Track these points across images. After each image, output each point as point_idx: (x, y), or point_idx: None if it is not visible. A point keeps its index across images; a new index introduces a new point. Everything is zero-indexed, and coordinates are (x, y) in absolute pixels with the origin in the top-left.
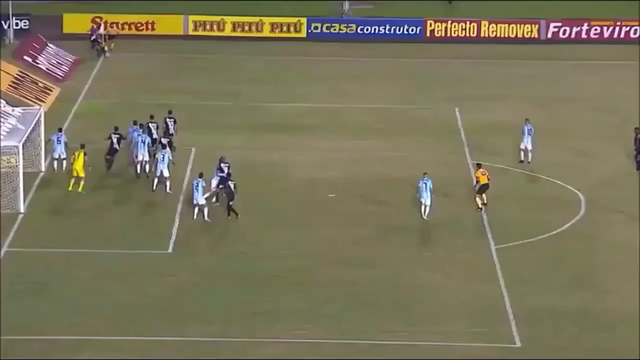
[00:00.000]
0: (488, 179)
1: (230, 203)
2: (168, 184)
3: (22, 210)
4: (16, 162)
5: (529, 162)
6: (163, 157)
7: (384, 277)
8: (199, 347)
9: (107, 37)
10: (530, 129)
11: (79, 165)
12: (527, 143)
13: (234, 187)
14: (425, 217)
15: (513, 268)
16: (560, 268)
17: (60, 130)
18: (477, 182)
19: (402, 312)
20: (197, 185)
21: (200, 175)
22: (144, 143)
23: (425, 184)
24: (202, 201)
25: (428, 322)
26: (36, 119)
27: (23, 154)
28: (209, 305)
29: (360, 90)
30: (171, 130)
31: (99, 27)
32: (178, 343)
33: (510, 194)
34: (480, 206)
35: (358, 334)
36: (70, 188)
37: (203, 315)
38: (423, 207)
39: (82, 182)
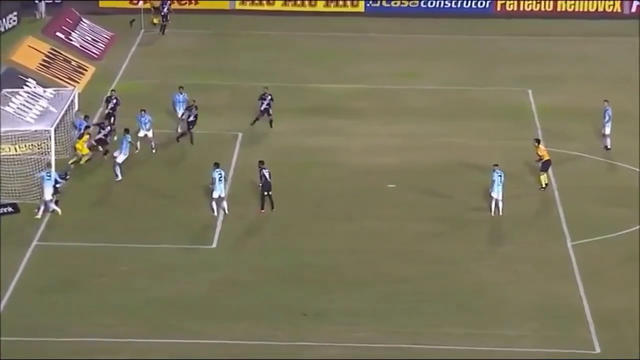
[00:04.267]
0: (549, 155)
1: (267, 193)
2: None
3: (47, 198)
4: (48, 148)
5: (609, 149)
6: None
7: (447, 275)
8: (244, 349)
9: (153, 8)
10: (609, 112)
11: (80, 145)
12: (607, 128)
13: (269, 176)
14: (500, 213)
15: (591, 266)
16: None
17: (181, 87)
18: (540, 159)
19: (466, 314)
20: (221, 177)
21: (217, 165)
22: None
23: (500, 177)
24: (223, 194)
25: (495, 325)
26: (69, 100)
27: (55, 139)
28: (255, 304)
29: (422, 70)
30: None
31: (166, 3)
32: (222, 346)
33: (588, 185)
34: (543, 185)
35: (417, 336)
36: (82, 161)
37: (249, 315)
38: (494, 202)
39: (83, 158)
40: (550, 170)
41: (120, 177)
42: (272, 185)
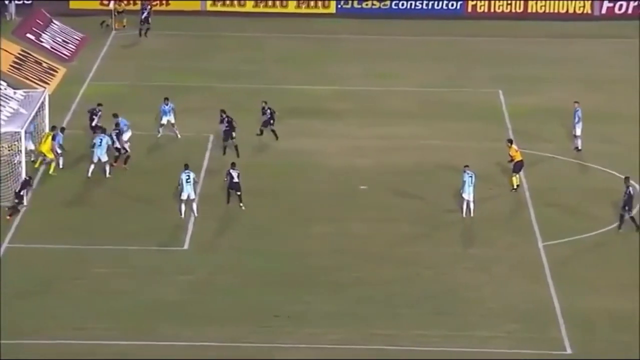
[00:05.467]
0: (522, 155)
1: (237, 193)
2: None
3: (25, 202)
4: (18, 150)
5: (579, 150)
6: (100, 142)
7: (422, 277)
8: (219, 351)
9: (116, 12)
10: (579, 113)
11: (45, 148)
12: (577, 129)
13: (237, 176)
14: (471, 215)
15: (563, 267)
16: (614, 267)
17: (166, 99)
18: (512, 159)
19: (441, 316)
20: (189, 178)
21: (186, 167)
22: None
23: (470, 177)
24: (193, 195)
25: (469, 326)
26: (40, 102)
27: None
28: (229, 306)
29: (394, 72)
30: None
31: (147, 6)
32: (195, 348)
33: (559, 186)
34: (515, 187)
35: (392, 338)
36: (50, 172)
37: (223, 317)
38: (465, 204)
39: (52, 164)
40: (521, 171)
41: (89, 175)
42: (248, 187)
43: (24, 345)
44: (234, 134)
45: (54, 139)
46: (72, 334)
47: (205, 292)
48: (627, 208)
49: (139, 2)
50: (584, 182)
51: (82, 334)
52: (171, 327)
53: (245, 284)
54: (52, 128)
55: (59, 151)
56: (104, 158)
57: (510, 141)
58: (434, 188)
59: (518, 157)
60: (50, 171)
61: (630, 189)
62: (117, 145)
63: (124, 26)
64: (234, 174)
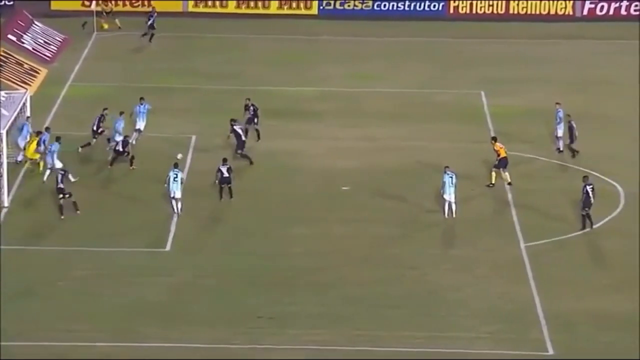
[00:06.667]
0: (506, 152)
1: (228, 186)
2: None
3: (5, 204)
4: (0, 151)
5: (561, 151)
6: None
7: (405, 279)
8: (201, 353)
9: (104, 13)
10: (561, 114)
11: (29, 152)
12: (559, 130)
13: (227, 171)
14: (453, 216)
15: (544, 268)
16: (596, 268)
17: (142, 99)
18: (498, 156)
19: (424, 317)
20: (177, 177)
21: (176, 166)
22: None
23: (451, 178)
24: (179, 194)
25: (452, 327)
26: (21, 103)
27: (7, 142)
28: (212, 308)
29: (376, 73)
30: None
31: (153, 13)
32: (179, 349)
33: (541, 187)
34: (493, 182)
35: (376, 340)
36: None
37: (206, 319)
38: (447, 205)
39: (40, 163)
40: (503, 172)
41: (45, 180)
42: (233, 186)
43: (7, 347)
44: (256, 120)
45: (38, 143)
46: (55, 336)
47: (188, 294)
48: (585, 207)
49: (128, 3)
50: (566, 183)
51: (66, 336)
52: (155, 329)
53: (227, 285)
54: (37, 133)
55: (43, 151)
56: (58, 164)
57: (495, 138)
58: (416, 189)
59: (503, 154)
60: (39, 170)
61: (588, 187)
62: (120, 148)
63: (119, 27)
64: (224, 169)
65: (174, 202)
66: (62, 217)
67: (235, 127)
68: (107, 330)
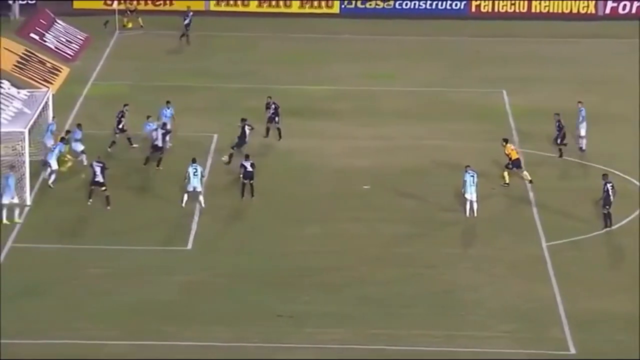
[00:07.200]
0: (518, 153)
1: (249, 182)
2: None
3: (28, 202)
4: (22, 150)
5: (583, 150)
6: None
7: (422, 277)
8: (218, 352)
9: (128, 12)
10: (583, 113)
11: (62, 166)
12: (581, 129)
13: (251, 166)
14: (475, 215)
15: (566, 267)
16: (618, 267)
17: (168, 102)
18: (510, 159)
19: (441, 316)
20: (196, 171)
21: (194, 161)
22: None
23: (472, 177)
24: (199, 188)
25: (470, 326)
26: (44, 102)
27: (30, 140)
28: (229, 307)
29: (397, 72)
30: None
31: (189, 13)
32: (195, 348)
33: (563, 186)
34: (507, 182)
35: (392, 338)
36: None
37: (222, 318)
38: (468, 204)
39: (68, 163)
40: (524, 171)
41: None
42: (254, 180)
43: (22, 346)
44: (277, 118)
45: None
46: (71, 335)
47: (205, 292)
48: (606, 206)
49: (150, 2)
50: (588, 182)
51: (81, 335)
52: (173, 327)
53: (244, 284)
54: (67, 132)
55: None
56: (54, 166)
57: (506, 140)
58: (435, 188)
59: (515, 156)
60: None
61: (608, 185)
62: (159, 143)
63: (142, 26)
64: (247, 164)
65: (186, 195)
66: (90, 201)
67: (245, 126)
68: (121, 329)
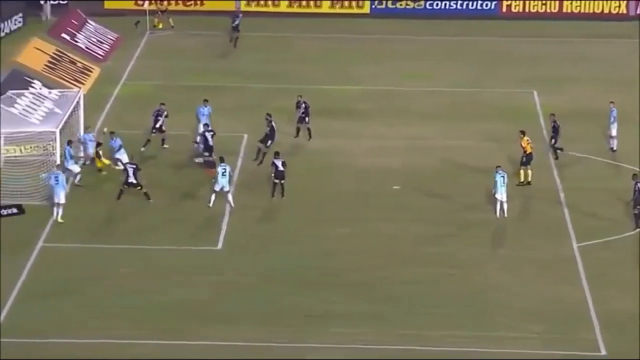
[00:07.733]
0: (532, 148)
1: (280, 182)
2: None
3: (62, 200)
4: (53, 149)
5: (614, 150)
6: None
7: (451, 277)
8: (246, 352)
9: (159, 12)
10: (615, 113)
11: (99, 163)
12: (613, 129)
13: (282, 165)
14: (505, 215)
15: (597, 268)
16: None
17: (206, 101)
18: (524, 152)
19: (471, 316)
20: (225, 171)
21: (222, 160)
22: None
23: (502, 177)
24: (227, 187)
25: (500, 327)
26: (75, 102)
27: (61, 140)
28: (258, 307)
29: (427, 72)
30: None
31: (239, 14)
32: (223, 348)
33: (594, 187)
34: (522, 180)
35: (421, 339)
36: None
37: (251, 317)
38: (499, 205)
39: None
40: (555, 172)
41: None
42: (285, 182)
43: (50, 345)
44: (307, 118)
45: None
46: (99, 334)
47: (234, 292)
48: (637, 206)
49: (181, 2)
50: (619, 183)
51: (110, 334)
52: (202, 327)
53: (274, 284)
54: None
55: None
56: (76, 169)
57: (523, 132)
58: (464, 188)
59: (529, 150)
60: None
61: (638, 185)
62: (210, 143)
63: (172, 26)
64: (278, 163)
65: (214, 195)
66: (119, 199)
67: (272, 121)
68: (151, 329)
